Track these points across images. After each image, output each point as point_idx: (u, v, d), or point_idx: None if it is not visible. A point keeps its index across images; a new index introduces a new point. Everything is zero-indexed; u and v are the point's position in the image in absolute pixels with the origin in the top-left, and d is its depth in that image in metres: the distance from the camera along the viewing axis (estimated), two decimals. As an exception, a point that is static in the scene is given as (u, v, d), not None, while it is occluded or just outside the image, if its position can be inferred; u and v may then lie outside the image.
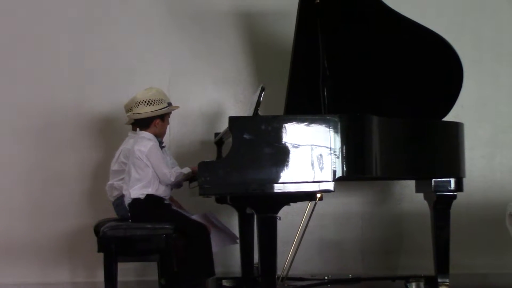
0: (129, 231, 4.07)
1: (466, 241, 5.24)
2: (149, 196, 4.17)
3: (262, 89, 4.03)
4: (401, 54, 4.45)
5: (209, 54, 5.50)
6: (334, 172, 3.71)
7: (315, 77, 4.24)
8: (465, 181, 4.42)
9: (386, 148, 3.95)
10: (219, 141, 4.76)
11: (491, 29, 5.56)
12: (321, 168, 3.70)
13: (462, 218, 5.15)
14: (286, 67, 4.59)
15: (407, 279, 4.64)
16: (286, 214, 4.85)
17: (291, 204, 3.82)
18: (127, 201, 4.21)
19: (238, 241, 4.66)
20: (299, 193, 3.72)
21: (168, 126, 4.40)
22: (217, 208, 4.80)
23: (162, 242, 4.03)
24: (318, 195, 3.81)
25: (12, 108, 5.39)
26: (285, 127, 3.71)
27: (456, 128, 4.38)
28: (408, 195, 5.31)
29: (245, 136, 3.69)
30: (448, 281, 4.38)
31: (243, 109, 5.32)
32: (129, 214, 4.24)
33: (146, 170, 4.16)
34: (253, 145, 3.69)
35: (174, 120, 4.75)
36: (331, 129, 3.74)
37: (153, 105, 4.25)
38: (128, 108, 4.61)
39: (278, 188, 3.67)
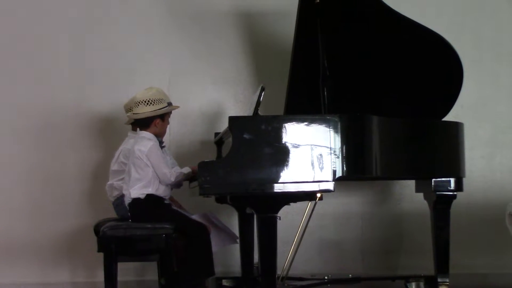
0: (129, 231, 4.06)
1: (466, 241, 5.25)
2: (149, 196, 4.17)
3: (262, 89, 4.03)
4: (401, 54, 4.45)
5: (209, 54, 5.50)
6: (334, 172, 3.71)
7: (315, 77, 4.24)
8: (465, 181, 4.42)
9: (386, 148, 3.95)
10: (219, 141, 4.76)
11: (491, 29, 5.56)
12: (321, 168, 3.70)
13: (462, 218, 5.15)
14: (286, 67, 4.59)
15: (407, 279, 4.64)
16: (286, 214, 4.85)
17: (291, 204, 3.82)
18: (127, 200, 4.21)
19: (238, 240, 4.66)
20: (299, 193, 3.72)
21: (168, 126, 4.40)
22: (217, 208, 4.81)
23: (162, 242, 4.03)
24: (318, 195, 3.80)
25: (12, 108, 5.39)
26: (285, 127, 3.71)
27: (456, 128, 4.38)
28: (408, 195, 5.32)
29: (245, 136, 3.69)
30: (448, 281, 4.38)
31: (243, 109, 5.32)
32: (129, 214, 4.23)
33: (146, 170, 4.16)
34: (253, 145, 3.69)
35: (174, 120, 4.75)
36: (331, 129, 3.74)
37: (153, 104, 4.25)
38: (128, 108, 4.60)
39: (278, 188, 3.67)
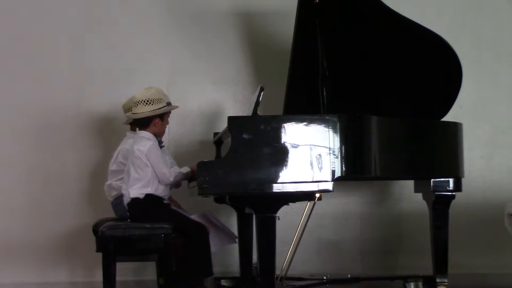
0: (128, 231, 4.06)
1: (465, 241, 5.25)
2: (148, 196, 4.17)
3: (261, 89, 4.03)
4: (400, 54, 4.45)
5: (209, 54, 5.50)
6: (333, 172, 3.71)
7: (314, 77, 4.24)
8: (464, 181, 4.42)
9: (385, 148, 3.95)
10: (218, 141, 4.76)
11: (490, 29, 5.56)
12: (320, 168, 3.70)
13: (461, 218, 5.15)
14: (285, 67, 4.59)
15: (406, 279, 4.64)
16: (285, 214, 4.85)
17: (290, 204, 3.82)
18: (126, 200, 4.21)
19: (237, 240, 4.66)
20: (298, 193, 3.72)
21: (167, 125, 4.40)
22: (216, 208, 4.81)
23: (160, 242, 4.02)
24: (317, 195, 3.80)
25: (12, 108, 5.39)
26: (284, 127, 3.71)
27: (455, 128, 4.38)
28: (407, 195, 5.32)
29: (244, 136, 3.69)
30: (446, 281, 4.38)
31: (242, 109, 5.33)
32: (128, 213, 4.24)
33: (145, 170, 4.16)
34: (252, 145, 3.69)
35: (173, 119, 4.75)
36: (330, 129, 3.74)
37: (152, 104, 4.25)
38: (127, 108, 4.61)
39: (277, 188, 3.67)
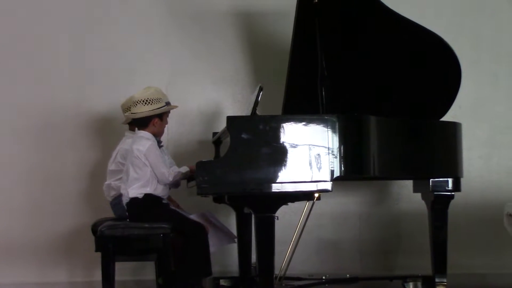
0: (127, 231, 4.06)
1: (464, 241, 5.25)
2: (147, 196, 4.17)
3: (260, 89, 4.03)
4: (400, 54, 4.45)
5: (208, 54, 5.50)
6: (332, 172, 3.71)
7: (313, 77, 4.23)
8: (463, 181, 4.42)
9: (384, 148, 3.96)
10: (217, 141, 4.76)
11: (489, 29, 5.57)
12: (319, 168, 3.70)
13: (459, 218, 5.15)
14: (284, 67, 4.59)
15: (405, 279, 4.64)
16: (284, 214, 4.85)
17: (289, 203, 3.82)
18: (125, 200, 4.22)
19: (236, 240, 4.66)
20: (297, 193, 3.72)
21: (166, 125, 4.40)
22: (215, 208, 4.81)
23: (159, 241, 4.03)
24: (316, 194, 3.80)
25: (12, 108, 5.39)
26: (283, 126, 3.71)
27: (454, 128, 4.38)
28: (406, 195, 5.31)
29: (243, 135, 3.69)
30: (445, 281, 4.38)
31: (241, 109, 5.33)
32: (127, 213, 4.24)
33: (144, 170, 4.16)
34: (251, 145, 3.69)
35: (172, 119, 4.75)
36: (329, 129, 3.74)
37: (151, 104, 4.25)
38: (126, 108, 4.61)
39: (276, 187, 3.68)
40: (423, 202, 4.50)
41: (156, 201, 4.21)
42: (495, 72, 5.54)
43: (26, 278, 5.24)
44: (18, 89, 5.40)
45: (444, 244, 4.38)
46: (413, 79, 4.49)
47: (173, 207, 4.38)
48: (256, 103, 4.01)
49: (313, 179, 3.70)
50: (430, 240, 4.43)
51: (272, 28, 5.45)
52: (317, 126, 3.73)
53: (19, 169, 5.36)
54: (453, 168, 4.35)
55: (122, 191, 4.25)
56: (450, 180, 4.33)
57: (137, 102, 4.25)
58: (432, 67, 4.46)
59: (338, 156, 3.73)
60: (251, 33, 5.51)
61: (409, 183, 4.84)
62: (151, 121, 4.26)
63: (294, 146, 3.69)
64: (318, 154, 3.71)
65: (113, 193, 4.56)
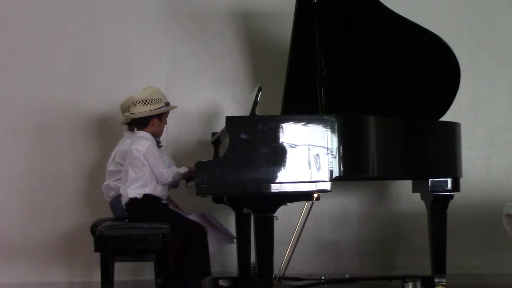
0: (126, 231, 4.06)
1: (463, 241, 5.25)
2: (146, 196, 4.16)
3: (259, 89, 4.03)
4: (399, 54, 4.45)
5: (208, 54, 5.49)
6: (331, 172, 3.71)
7: (313, 77, 4.24)
8: (462, 181, 4.42)
9: (383, 148, 3.96)
10: (216, 141, 4.76)
11: (488, 29, 5.56)
12: (318, 168, 3.70)
13: (459, 218, 5.15)
14: (283, 66, 4.59)
15: (404, 279, 4.65)
16: (283, 214, 4.81)
17: (288, 204, 3.82)
18: (124, 200, 4.21)
19: (235, 240, 4.66)
20: (296, 193, 3.72)
21: (165, 125, 4.40)
22: (214, 208, 4.80)
23: (158, 242, 4.02)
24: (315, 195, 3.80)
25: (11, 109, 5.38)
26: (282, 127, 3.71)
27: (453, 128, 4.38)
28: (405, 195, 5.31)
29: (242, 136, 3.69)
30: (444, 281, 4.39)
31: (241, 109, 5.33)
32: (126, 213, 4.23)
33: (143, 170, 4.16)
34: (250, 145, 3.69)
35: (171, 119, 4.74)
36: (328, 129, 3.74)
37: (150, 104, 4.24)
38: (125, 108, 4.60)
39: (275, 188, 3.68)
40: (422, 202, 4.50)
41: (155, 202, 4.20)
42: (494, 72, 5.53)
43: (25, 278, 5.22)
44: (17, 89, 5.39)
45: (443, 244, 4.38)
46: (413, 79, 4.49)
47: (172, 208, 4.38)
48: (255, 103, 4.01)
49: (312, 179, 3.70)
50: (429, 240, 4.43)
51: (271, 28, 5.45)
52: (316, 126, 3.73)
53: (18, 169, 5.35)
54: (452, 168, 4.35)
55: (121, 192, 4.24)
56: (449, 180, 4.34)
57: (136, 102, 4.24)
58: (431, 67, 4.46)
59: (337, 156, 3.73)
60: (251, 33, 5.50)
61: (408, 183, 4.84)
62: (150, 121, 4.25)
63: (293, 146, 3.69)
64: (317, 154, 3.70)
65: (112, 193, 4.56)
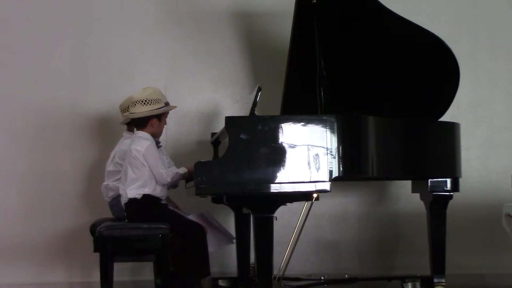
0: (125, 231, 4.06)
1: (462, 241, 5.25)
2: (145, 196, 4.16)
3: (259, 89, 4.03)
4: (398, 54, 4.45)
5: (207, 54, 5.49)
6: (331, 172, 3.72)
7: (312, 77, 4.24)
8: (461, 182, 4.42)
9: (382, 148, 3.96)
10: (216, 141, 4.76)
11: (488, 29, 5.56)
12: (318, 168, 3.70)
13: (458, 218, 5.15)
14: (283, 67, 4.59)
15: (403, 279, 4.65)
16: (283, 214, 4.80)
17: (288, 204, 3.82)
18: (123, 200, 4.21)
19: (234, 241, 4.66)
20: (295, 193, 3.72)
21: (164, 125, 4.40)
22: (213, 208, 4.80)
23: (158, 242, 4.02)
24: (315, 195, 3.80)
25: (10, 109, 5.37)
26: (281, 127, 3.71)
27: (452, 129, 4.39)
28: (405, 195, 5.31)
29: (241, 136, 3.69)
30: (444, 281, 4.39)
31: (240, 109, 5.33)
32: (125, 214, 4.23)
33: (142, 170, 4.16)
34: (249, 145, 3.69)
35: (170, 119, 4.74)
36: (327, 129, 3.74)
37: (150, 104, 4.24)
38: (124, 108, 4.60)
39: (274, 188, 3.68)
40: (421, 202, 4.50)
41: (154, 202, 4.20)
42: (493, 72, 5.53)
43: (24, 278, 5.22)
44: (17, 89, 5.39)
45: (442, 244, 4.39)
46: (412, 79, 4.49)
47: (171, 208, 4.38)
48: (254, 103, 4.01)
49: (312, 180, 3.70)
50: (429, 240, 4.43)
51: (271, 28, 5.45)
52: (316, 126, 3.73)
53: (17, 169, 5.34)
54: (451, 168, 4.35)
55: (121, 192, 4.24)
56: (448, 180, 4.34)
57: (136, 102, 4.24)
58: (431, 68, 4.46)
59: (336, 157, 3.73)
60: (250, 33, 5.50)
61: (407, 184, 4.85)
62: (149, 122, 4.25)
63: (292, 146, 3.69)
64: (317, 154, 3.71)
65: (111, 193, 4.56)
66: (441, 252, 4.39)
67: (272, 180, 3.67)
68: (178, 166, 4.35)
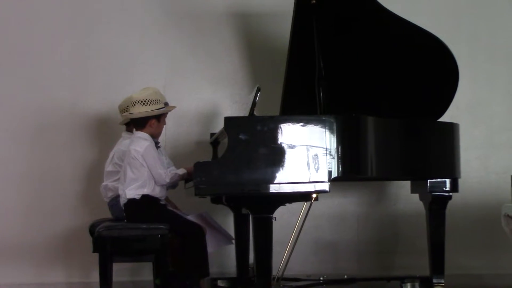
0: (124, 231, 4.06)
1: (461, 242, 5.25)
2: (144, 197, 4.16)
3: (258, 90, 4.02)
4: (397, 54, 4.45)
5: (206, 54, 5.49)
6: (330, 173, 3.72)
7: (311, 77, 4.24)
8: (461, 182, 4.42)
9: (382, 148, 3.96)
10: (215, 142, 4.76)
11: (487, 29, 5.56)
12: (317, 169, 3.70)
13: (457, 218, 5.16)
14: (282, 67, 4.59)
15: (402, 279, 4.64)
16: (282, 215, 4.79)
17: (287, 204, 3.82)
18: (122, 201, 4.21)
19: (233, 241, 4.66)
20: (294, 194, 3.72)
21: (164, 126, 4.40)
22: (212, 209, 4.80)
23: (157, 242, 4.02)
24: (314, 195, 3.80)
25: (9, 109, 5.38)
26: (280, 127, 3.71)
27: (451, 129, 4.39)
28: (404, 195, 5.31)
29: (240, 136, 3.69)
30: (443, 281, 4.39)
31: (239, 110, 5.33)
32: (124, 214, 4.23)
33: (141, 170, 4.16)
34: (248, 146, 3.69)
35: (169, 120, 4.74)
36: (326, 130, 3.74)
37: (149, 105, 4.24)
38: (124, 108, 4.60)
39: (273, 188, 3.68)
40: (421, 202, 4.51)
41: (153, 202, 4.20)
42: (492, 72, 5.54)
43: (24, 279, 5.22)
44: (15, 90, 5.39)
45: (441, 244, 4.39)
46: (411, 80, 4.49)
47: (170, 208, 4.38)
48: (254, 103, 4.00)
49: (311, 180, 3.70)
50: (428, 241, 4.43)
51: (270, 28, 5.45)
52: (315, 126, 3.73)
53: (17, 169, 5.35)
54: (450, 168, 4.35)
55: (120, 192, 4.24)
56: (447, 181, 4.34)
57: (135, 102, 4.24)
58: (430, 68, 4.46)
59: (335, 157, 3.73)
60: (249, 34, 5.50)
61: (407, 184, 4.85)
62: (148, 122, 4.25)
63: (292, 146, 3.69)
64: (316, 155, 3.71)
65: (110, 194, 4.56)
66: (440, 252, 4.39)
67: (271, 180, 3.67)
68: (177, 167, 4.34)
